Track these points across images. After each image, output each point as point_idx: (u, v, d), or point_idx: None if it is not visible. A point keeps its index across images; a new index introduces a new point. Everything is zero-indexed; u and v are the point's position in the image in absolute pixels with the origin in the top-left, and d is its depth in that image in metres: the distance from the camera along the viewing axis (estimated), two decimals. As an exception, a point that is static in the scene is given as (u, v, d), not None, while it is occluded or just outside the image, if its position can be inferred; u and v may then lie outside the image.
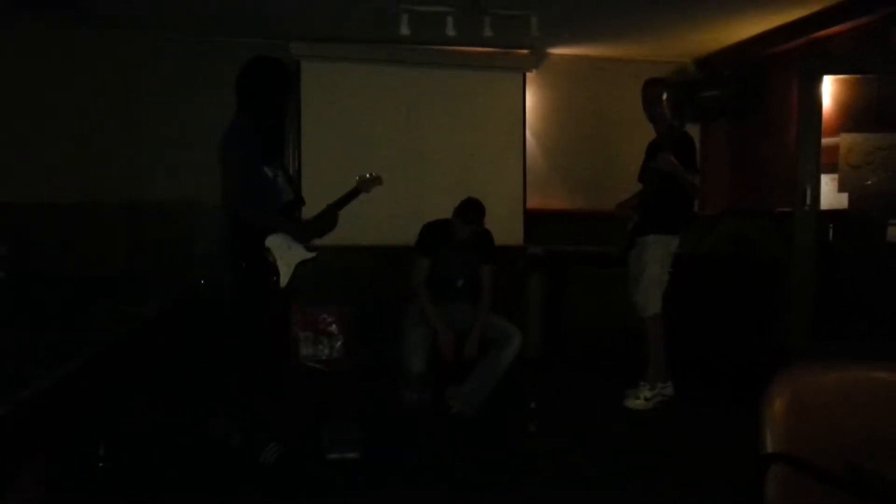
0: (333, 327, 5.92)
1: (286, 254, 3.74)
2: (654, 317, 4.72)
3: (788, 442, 2.00)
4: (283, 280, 3.73)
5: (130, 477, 3.44)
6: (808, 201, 4.92)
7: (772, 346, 5.07)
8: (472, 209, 4.54)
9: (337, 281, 5.76)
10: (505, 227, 5.70)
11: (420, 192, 6.01)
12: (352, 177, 4.31)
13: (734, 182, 6.50)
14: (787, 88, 5.62)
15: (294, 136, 5.95)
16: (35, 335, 3.25)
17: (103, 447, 3.40)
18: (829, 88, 5.22)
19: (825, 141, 5.04)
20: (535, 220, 6.47)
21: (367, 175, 4.32)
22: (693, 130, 5.24)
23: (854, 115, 5.23)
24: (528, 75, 6.50)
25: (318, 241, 3.99)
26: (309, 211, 4.14)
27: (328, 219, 4.04)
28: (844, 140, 5.19)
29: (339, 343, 5.92)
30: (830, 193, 5.17)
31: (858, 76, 5.22)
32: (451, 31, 5.05)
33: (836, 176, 5.20)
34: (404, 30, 5.01)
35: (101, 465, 3.39)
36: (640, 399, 4.72)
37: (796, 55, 5.51)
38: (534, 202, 6.52)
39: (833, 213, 5.16)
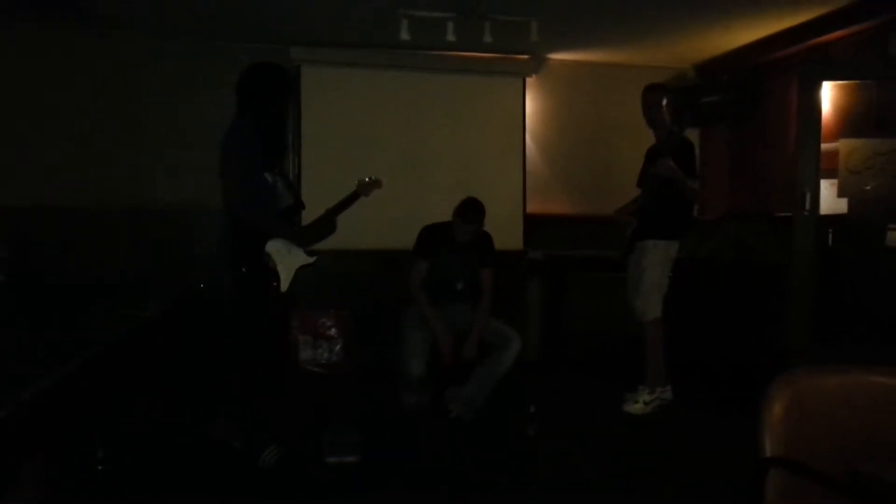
0: (333, 331, 5.92)
1: (286, 258, 3.75)
2: (654, 321, 4.73)
3: (788, 446, 2.00)
4: (284, 285, 3.75)
5: (130, 478, 3.44)
6: (808, 206, 4.92)
7: (771, 350, 5.07)
8: (472, 208, 4.54)
9: (336, 284, 5.76)
10: (505, 232, 5.70)
11: (420, 196, 6.02)
12: (351, 181, 4.32)
13: (734, 187, 6.51)
14: (786, 94, 5.63)
15: (294, 140, 5.96)
16: (35, 336, 3.25)
17: (102, 449, 3.41)
18: (829, 94, 5.23)
19: (825, 146, 5.05)
20: (534, 225, 6.48)
21: (367, 179, 4.33)
22: (693, 135, 5.26)
23: (853, 121, 5.24)
24: (528, 80, 6.51)
25: (317, 245, 3.99)
26: (309, 215, 4.14)
27: (327, 223, 4.04)
28: (844, 145, 5.20)
29: (338, 347, 5.92)
30: (830, 198, 5.18)
31: (858, 81, 5.23)
32: (451, 37, 5.06)
33: (835, 181, 5.21)
34: (404, 35, 5.02)
35: (100, 467, 3.39)
36: (640, 403, 4.73)
37: (796, 61, 5.52)
38: (533, 207, 6.53)
39: (832, 218, 5.17)
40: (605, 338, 5.81)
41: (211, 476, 3.56)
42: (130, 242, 5.70)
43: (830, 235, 5.18)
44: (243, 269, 3.67)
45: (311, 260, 3.87)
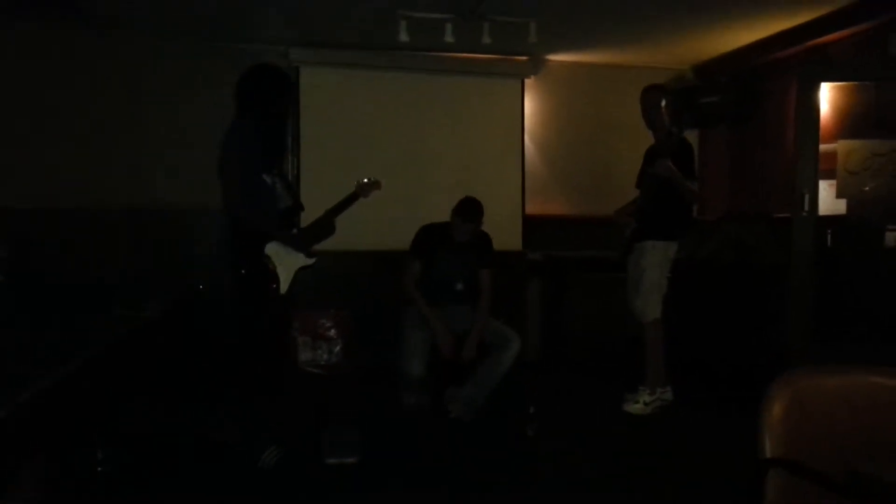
0: (332, 332, 5.92)
1: (286, 260, 3.75)
2: (654, 322, 4.73)
3: (788, 446, 2.00)
4: (284, 286, 3.75)
5: (130, 478, 3.45)
6: (807, 207, 4.93)
7: (771, 350, 5.07)
8: (471, 208, 4.54)
9: (336, 285, 5.76)
10: (504, 233, 5.70)
11: (419, 197, 6.02)
12: (350, 182, 4.32)
13: (733, 187, 6.51)
14: (785, 95, 5.63)
15: (293, 141, 5.96)
16: (35, 336, 3.25)
17: (102, 450, 3.41)
18: (828, 95, 5.23)
19: (823, 147, 5.05)
20: (533, 226, 6.49)
21: (366, 180, 4.33)
22: (692, 136, 5.25)
23: (852, 122, 5.24)
24: (527, 81, 6.51)
25: (316, 246, 3.99)
26: (308, 216, 4.15)
27: (327, 224, 4.04)
28: (843, 146, 5.21)
29: (338, 347, 5.92)
30: (829, 199, 5.18)
31: (856, 82, 5.23)
32: (449, 38, 5.06)
33: (834, 182, 5.22)
34: (403, 36, 5.02)
35: (100, 468, 3.39)
36: (640, 403, 4.73)
37: (795, 62, 5.53)
38: (533, 208, 6.54)
39: (831, 219, 5.17)
40: (605, 338, 5.81)
41: (210, 476, 3.56)
42: (130, 242, 5.68)
43: (829, 236, 5.19)
44: (243, 270, 3.68)
45: (310, 261, 3.87)
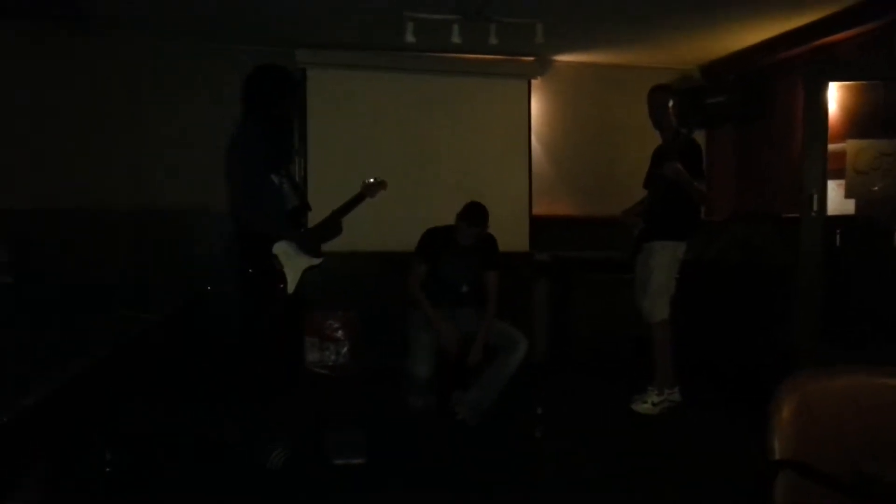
0: (339, 333, 5.92)
1: (293, 260, 3.76)
2: (662, 323, 4.72)
3: (796, 448, 2.00)
4: (291, 286, 3.76)
5: (133, 479, 3.45)
6: (815, 207, 4.90)
7: (778, 351, 5.06)
8: (476, 212, 4.54)
9: (343, 286, 5.76)
10: (511, 234, 5.70)
11: (425, 198, 6.02)
12: (357, 182, 4.32)
13: (740, 188, 6.49)
14: (792, 94, 5.61)
15: (300, 142, 5.97)
16: (35, 337, 3.26)
17: (109, 452, 3.41)
18: (835, 94, 5.21)
19: (831, 147, 5.03)
20: (540, 226, 6.48)
21: (372, 180, 4.33)
22: (699, 136, 5.24)
23: (860, 121, 5.22)
24: (534, 82, 6.51)
25: (323, 247, 4.00)
26: (315, 216, 4.15)
27: (333, 225, 4.05)
28: (851, 146, 5.18)
29: (345, 348, 5.93)
30: (837, 199, 5.15)
31: (864, 82, 5.21)
32: (456, 39, 5.06)
33: (842, 182, 5.19)
34: (410, 38, 5.02)
35: (107, 469, 3.40)
36: (648, 403, 4.72)
37: (802, 61, 5.51)
38: (539, 208, 6.53)
39: (840, 219, 5.14)
40: (612, 339, 5.80)
41: (214, 477, 3.57)
42: (130, 243, 5.68)
43: (838, 236, 5.16)
44: (250, 270, 3.69)
45: (317, 261, 3.88)
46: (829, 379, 2.13)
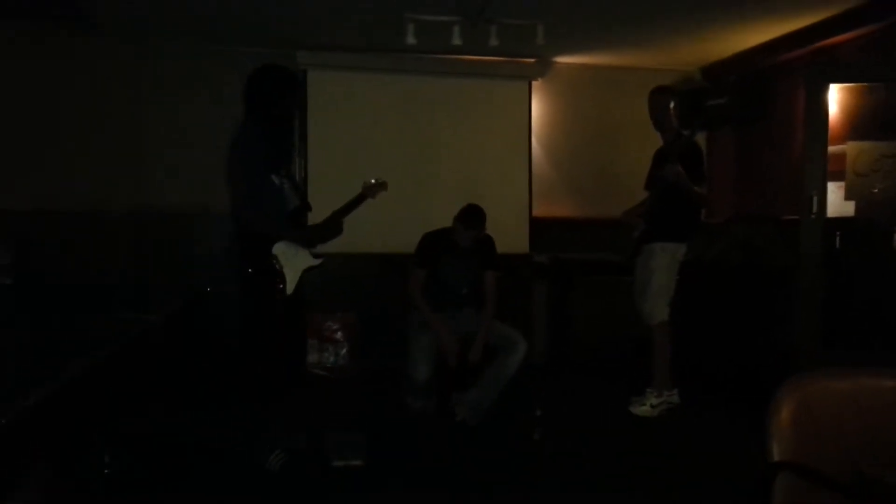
0: (339, 334, 5.93)
1: (292, 260, 3.76)
2: (661, 324, 4.72)
3: (796, 450, 1.99)
4: (290, 286, 3.75)
5: (134, 479, 3.45)
6: (815, 209, 4.91)
7: (778, 352, 5.06)
8: (474, 214, 4.54)
9: (342, 288, 5.77)
10: (511, 235, 5.71)
11: (426, 199, 6.02)
12: (357, 183, 4.32)
13: (740, 189, 6.49)
14: (793, 96, 5.61)
15: (300, 143, 5.97)
16: (35, 337, 3.26)
17: (109, 454, 3.41)
18: (836, 96, 5.21)
19: (832, 149, 5.03)
20: (540, 228, 6.48)
21: (373, 181, 4.33)
22: (699, 138, 5.24)
23: (861, 123, 5.22)
24: (534, 83, 6.51)
25: (323, 248, 4.00)
26: (315, 217, 4.15)
27: (334, 225, 4.05)
28: (851, 148, 5.19)
29: (344, 350, 5.93)
30: (837, 201, 5.15)
31: (865, 84, 5.21)
32: (457, 40, 5.06)
33: (842, 184, 5.19)
34: (411, 39, 5.02)
35: (107, 470, 3.40)
36: (647, 406, 4.72)
37: (802, 63, 5.51)
38: (539, 210, 6.53)
39: (840, 221, 5.15)
40: (611, 340, 5.80)
41: (214, 478, 3.57)
42: (131, 243, 5.68)
43: (838, 238, 5.16)
44: (249, 270, 3.69)
45: (316, 262, 3.88)
46: (830, 380, 2.13)
